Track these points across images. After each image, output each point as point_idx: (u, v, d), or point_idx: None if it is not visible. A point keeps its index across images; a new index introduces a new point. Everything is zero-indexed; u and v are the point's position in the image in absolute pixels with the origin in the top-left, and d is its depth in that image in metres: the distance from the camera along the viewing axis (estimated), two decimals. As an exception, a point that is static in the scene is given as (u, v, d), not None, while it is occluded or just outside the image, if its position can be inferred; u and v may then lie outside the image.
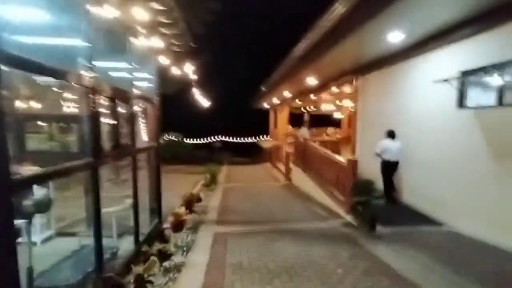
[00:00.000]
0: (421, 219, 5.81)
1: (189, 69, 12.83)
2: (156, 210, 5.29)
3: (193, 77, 15.63)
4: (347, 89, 14.18)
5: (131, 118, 4.06)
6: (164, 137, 21.94)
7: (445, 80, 5.58)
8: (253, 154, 27.17)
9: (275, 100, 19.44)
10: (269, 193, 9.24)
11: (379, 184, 5.79)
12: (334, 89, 13.64)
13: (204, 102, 22.46)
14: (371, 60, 8.10)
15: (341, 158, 6.82)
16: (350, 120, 22.11)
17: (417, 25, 5.38)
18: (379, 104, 8.19)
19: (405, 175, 6.85)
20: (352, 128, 9.53)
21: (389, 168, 6.69)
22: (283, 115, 20.15)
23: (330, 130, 21.93)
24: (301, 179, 9.98)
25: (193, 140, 28.27)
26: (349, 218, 5.88)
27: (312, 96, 16.48)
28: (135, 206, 4.02)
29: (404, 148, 6.83)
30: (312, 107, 23.20)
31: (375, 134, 7.98)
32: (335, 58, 8.28)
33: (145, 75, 5.25)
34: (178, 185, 10.87)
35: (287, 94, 16.23)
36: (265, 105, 24.07)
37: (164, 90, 16.76)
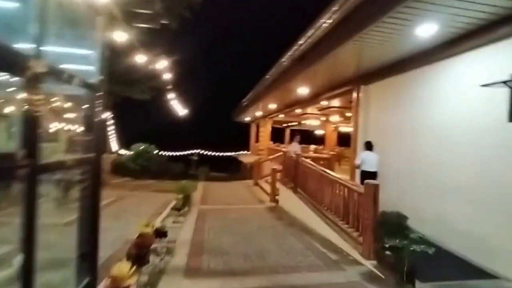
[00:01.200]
0: (466, 269, 4.27)
1: (164, 67, 11.04)
2: (89, 257, 3.35)
3: (168, 77, 13.71)
4: (335, 103, 12.97)
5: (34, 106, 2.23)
6: (132, 148, 19.60)
7: (492, 84, 4.23)
8: (233, 170, 25.25)
9: (258, 113, 17.94)
10: (254, 219, 7.45)
11: (413, 219, 4.26)
12: (324, 103, 12.37)
13: (181, 110, 20.51)
14: (378, 66, 6.76)
15: (347, 181, 5.25)
16: (332, 136, 21.01)
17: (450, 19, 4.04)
18: (388, 118, 6.81)
19: (430, 205, 5.37)
20: (352, 145, 8.10)
21: (368, 177, 5.97)
22: (266, 129, 18.67)
23: (312, 147, 20.67)
24: (291, 201, 8.31)
25: (167, 152, 25.96)
26: (370, 265, 4.23)
27: (298, 110, 15.14)
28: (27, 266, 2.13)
29: (427, 171, 5.41)
30: (294, 122, 21.99)
31: (384, 151, 6.54)
32: (332, 65, 6.92)
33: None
34: (143, 208, 8.81)
35: (271, 107, 14.77)
36: (247, 119, 22.55)
37: (133, 93, 14.63)
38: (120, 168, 17.65)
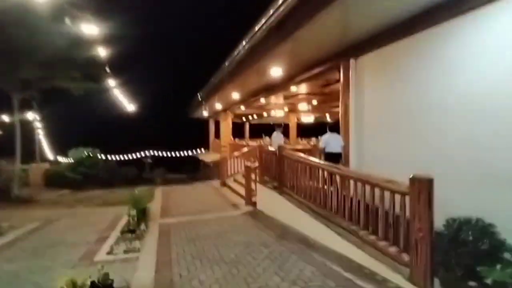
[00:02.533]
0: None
1: (100, 45, 8.63)
2: None
3: (107, 62, 11.09)
4: (304, 88, 11.70)
5: None
6: (70, 154, 16.25)
7: None
8: (192, 170, 22.93)
9: (217, 106, 15.98)
10: (236, 233, 5.69)
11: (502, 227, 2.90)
12: (293, 89, 10.99)
13: (128, 106, 17.59)
14: (375, 30, 5.45)
15: (379, 178, 3.79)
16: (294, 128, 19.96)
17: None
18: (394, 95, 5.55)
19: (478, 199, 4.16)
20: (343, 131, 6.76)
21: (333, 159, 6.17)
22: (227, 124, 16.80)
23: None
24: (274, 203, 6.73)
25: (116, 155, 22.55)
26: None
27: (262, 100, 13.61)
28: None
29: (472, 157, 4.21)
30: (255, 115, 20.50)
31: (390, 141, 5.28)
32: (314, 36, 5.51)
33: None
34: (82, 233, 6.42)
35: (232, 97, 12.98)
36: (204, 114, 20.41)
37: (61, 81, 11.51)
38: (56, 179, 14.37)
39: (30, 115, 14.54)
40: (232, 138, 16.98)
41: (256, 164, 8.40)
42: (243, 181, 10.80)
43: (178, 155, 29.29)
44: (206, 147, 22.97)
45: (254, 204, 8.11)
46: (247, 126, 22.99)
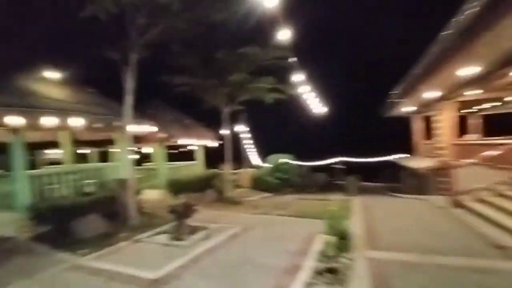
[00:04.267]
0: None
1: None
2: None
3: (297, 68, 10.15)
4: None
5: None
6: (268, 160, 17.08)
7: None
8: (391, 179, 18.89)
9: (430, 95, 11.47)
10: None
11: None
12: None
13: (318, 110, 16.61)
14: None
15: None
16: None
17: None
18: None
19: None
20: None
21: None
22: (448, 118, 11.81)
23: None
24: None
25: (307, 162, 22.43)
26: None
27: None
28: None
29: None
30: (488, 104, 13.60)
31: None
32: None
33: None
34: (271, 253, 5.10)
35: (462, 75, 8.38)
36: (406, 110, 16.03)
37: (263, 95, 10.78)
38: (259, 183, 15.40)
39: (239, 127, 16.80)
40: (459, 136, 11.84)
41: None
42: (506, 204, 6.35)
43: (371, 161, 25.68)
44: (409, 150, 18.19)
45: None
46: (472, 121, 16.18)
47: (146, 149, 14.41)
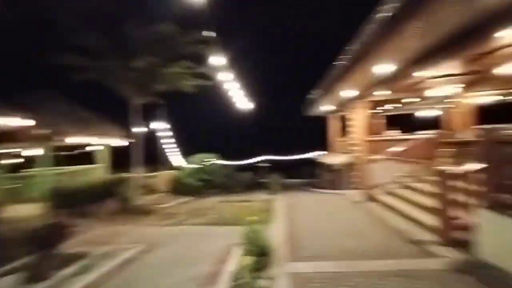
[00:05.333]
0: None
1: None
2: None
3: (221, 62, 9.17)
4: None
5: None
6: (190, 161, 15.59)
7: None
8: (310, 175, 19.58)
9: (347, 95, 11.85)
10: None
11: None
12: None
13: (242, 107, 15.80)
14: None
15: None
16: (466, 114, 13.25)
17: None
18: None
19: None
20: None
21: None
22: (361, 116, 12.44)
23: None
24: None
25: (232, 161, 21.61)
26: None
27: (420, 74, 8.62)
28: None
29: None
30: (402, 101, 14.82)
31: None
32: None
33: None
34: (175, 280, 3.81)
35: (375, 74, 8.59)
36: (324, 109, 16.65)
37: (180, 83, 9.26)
38: (179, 186, 13.70)
39: (158, 124, 14.74)
40: (369, 134, 12.62)
41: (473, 168, 4.06)
42: (411, 195, 6.52)
43: (293, 158, 26.52)
44: (326, 148, 19.11)
45: (460, 244, 3.87)
46: (380, 120, 17.82)
47: (30, 152, 11.20)
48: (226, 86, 10.93)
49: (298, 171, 21.70)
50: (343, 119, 15.57)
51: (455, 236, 4.09)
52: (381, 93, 11.15)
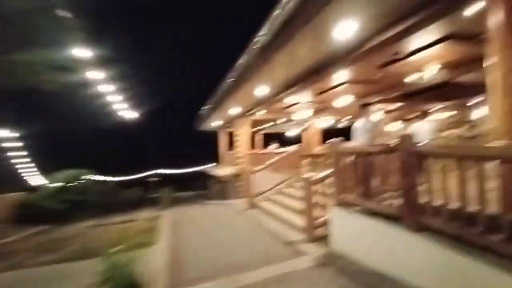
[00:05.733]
0: None
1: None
2: None
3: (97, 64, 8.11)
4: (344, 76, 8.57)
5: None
6: (54, 179, 12.96)
7: None
8: (202, 187, 19.68)
9: (233, 112, 12.83)
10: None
11: None
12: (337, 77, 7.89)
13: (127, 117, 14.40)
14: None
15: None
16: (316, 135, 16.66)
17: None
18: None
19: None
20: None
21: None
22: (244, 132, 13.62)
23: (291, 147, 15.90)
24: (376, 240, 3.53)
25: (116, 177, 19.23)
26: None
27: (289, 100, 10.38)
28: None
29: None
30: (274, 121, 17.08)
31: None
32: None
33: None
34: None
35: (256, 94, 9.76)
36: (214, 124, 17.39)
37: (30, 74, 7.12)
38: (31, 212, 10.92)
39: (2, 132, 11.40)
40: (252, 148, 13.86)
41: (325, 174, 5.15)
42: (285, 200, 7.59)
43: (185, 171, 25.99)
44: (216, 161, 19.77)
45: (320, 239, 4.87)
46: (260, 137, 19.87)
47: None
48: (102, 88, 9.68)
49: (190, 184, 21.43)
50: (231, 134, 16.58)
51: (318, 233, 5.02)
52: (260, 113, 12.69)
